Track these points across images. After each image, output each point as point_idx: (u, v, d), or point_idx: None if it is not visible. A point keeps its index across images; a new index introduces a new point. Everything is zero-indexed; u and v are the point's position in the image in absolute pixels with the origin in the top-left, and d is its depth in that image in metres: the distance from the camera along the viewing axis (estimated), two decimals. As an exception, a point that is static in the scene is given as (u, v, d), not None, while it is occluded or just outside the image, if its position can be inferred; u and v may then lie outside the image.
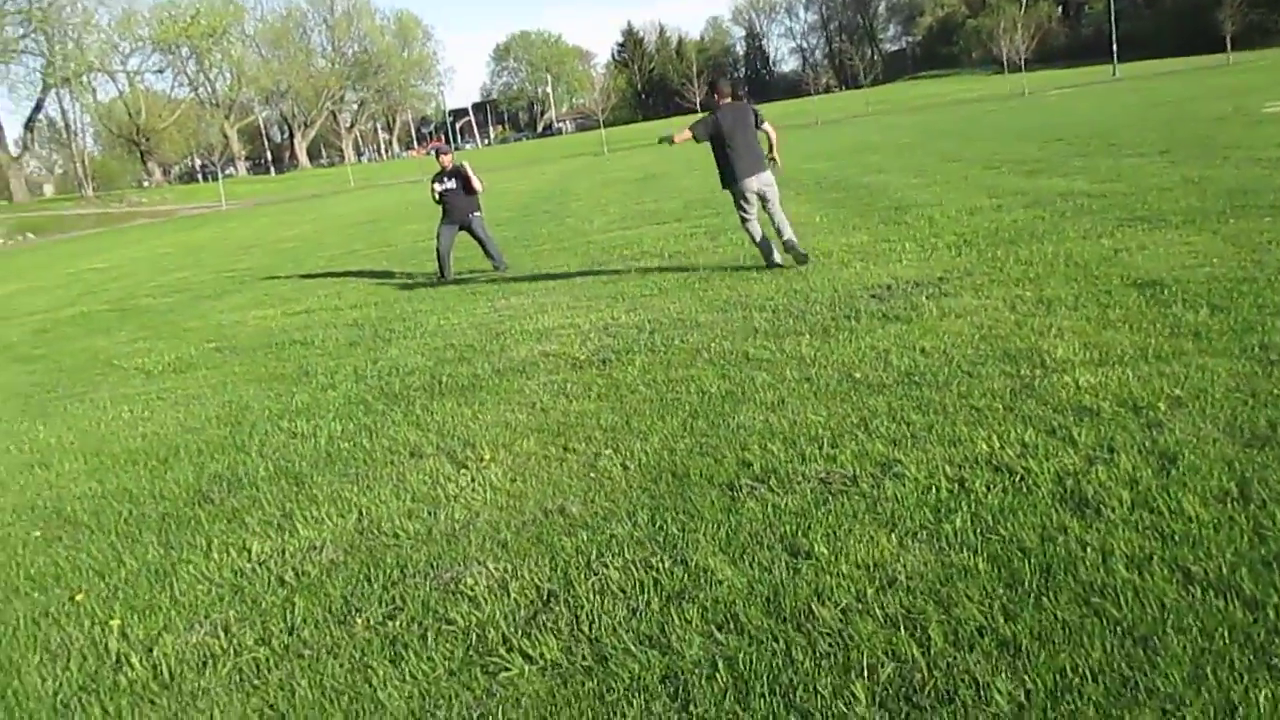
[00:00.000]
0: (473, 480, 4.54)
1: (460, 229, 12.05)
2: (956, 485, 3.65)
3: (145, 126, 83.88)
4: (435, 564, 3.71)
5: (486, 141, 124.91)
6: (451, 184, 12.04)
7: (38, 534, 4.89)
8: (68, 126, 78.27)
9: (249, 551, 4.17)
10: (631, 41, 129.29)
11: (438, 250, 12.04)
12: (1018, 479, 3.62)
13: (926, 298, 6.83)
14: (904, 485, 3.71)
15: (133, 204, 65.06)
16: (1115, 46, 75.97)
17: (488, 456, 4.83)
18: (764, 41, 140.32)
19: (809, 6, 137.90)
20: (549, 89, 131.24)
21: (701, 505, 3.81)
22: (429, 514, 4.23)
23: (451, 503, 4.31)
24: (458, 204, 12.02)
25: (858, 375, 5.22)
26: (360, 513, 4.40)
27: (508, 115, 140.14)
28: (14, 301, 18.04)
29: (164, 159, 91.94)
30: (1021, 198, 11.52)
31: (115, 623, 3.68)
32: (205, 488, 5.15)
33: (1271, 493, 3.23)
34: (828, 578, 3.11)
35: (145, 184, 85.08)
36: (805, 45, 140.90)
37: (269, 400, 6.84)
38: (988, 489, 3.58)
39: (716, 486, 3.99)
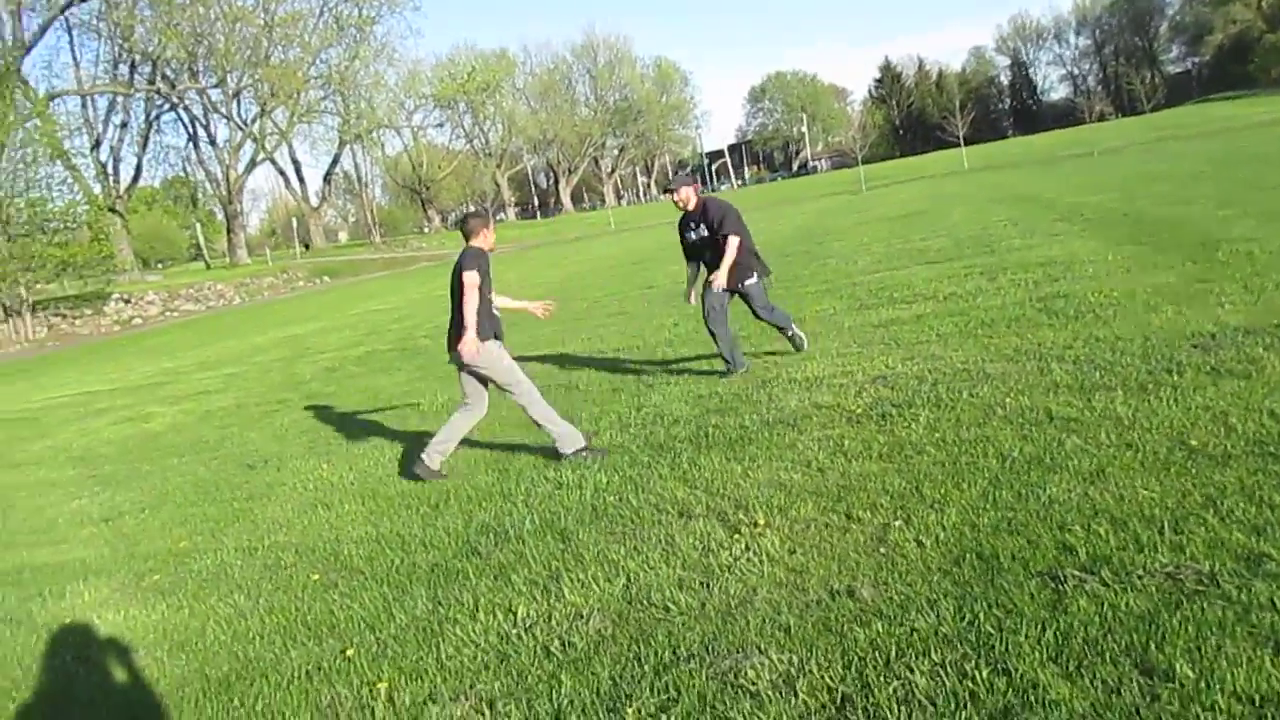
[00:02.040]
0: (747, 548, 4.18)
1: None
2: (1356, 593, 2.93)
3: (426, 177, 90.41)
4: (711, 647, 3.37)
5: (741, 182, 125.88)
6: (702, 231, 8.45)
7: (316, 578, 4.97)
8: (359, 178, 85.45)
9: (514, 614, 4.00)
10: (889, 76, 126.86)
11: (716, 333, 8.14)
12: None
13: (1264, 349, 5.87)
14: (1282, 589, 3.02)
15: (414, 249, 69.96)
16: None
17: (762, 521, 4.46)
18: (1030, 69, 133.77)
19: (1080, 30, 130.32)
20: (804, 128, 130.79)
21: (1018, 599, 3.26)
22: (702, 585, 3.91)
23: (725, 574, 3.97)
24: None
25: (1193, 442, 4.45)
26: (628, 578, 4.13)
27: (763, 155, 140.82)
28: (310, 340, 19.51)
29: (441, 206, 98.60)
30: (1364, 230, 9.99)
31: (383, 685, 3.58)
32: (473, 539, 5.08)
33: None
34: (1196, 708, 2.51)
35: (425, 230, 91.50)
36: (1077, 71, 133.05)
37: (533, 448, 6.79)
38: (1402, 601, 2.84)
39: (1034, 575, 3.42)
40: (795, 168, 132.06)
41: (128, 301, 42.94)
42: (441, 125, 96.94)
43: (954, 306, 9.47)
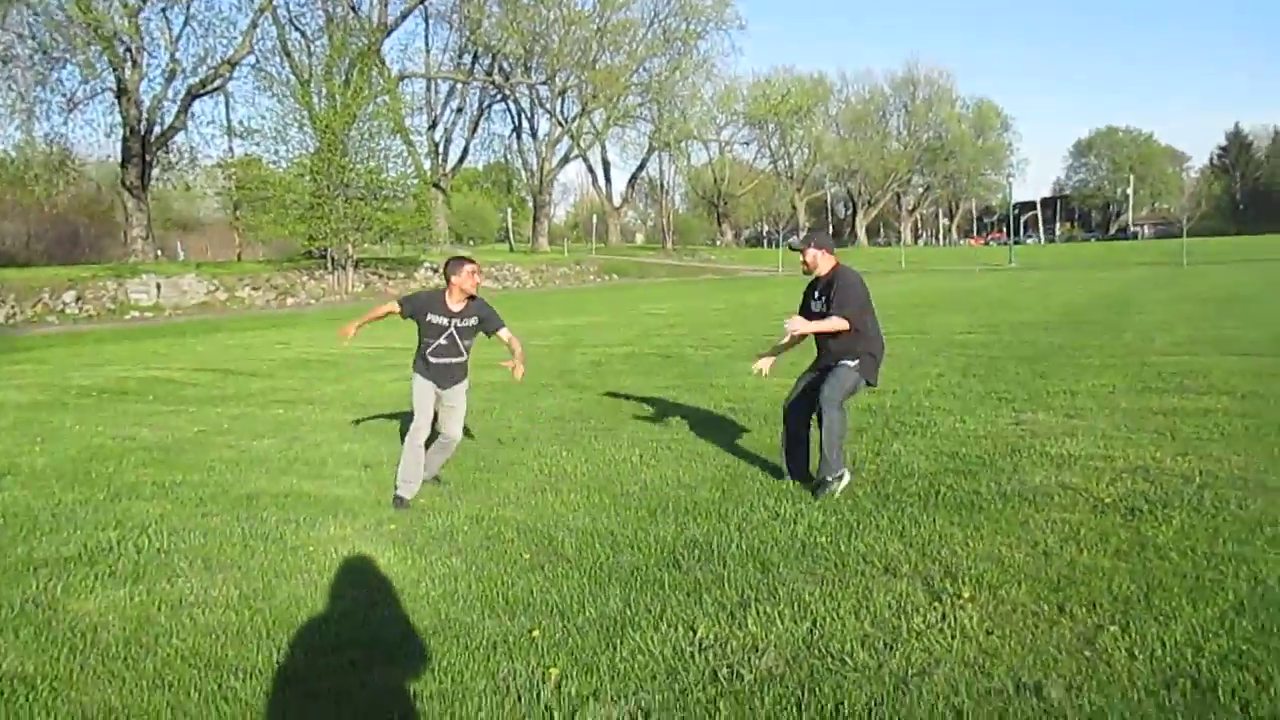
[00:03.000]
0: (943, 618, 4.01)
1: None
2: None
3: (725, 191, 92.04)
4: (874, 711, 3.26)
5: (1050, 238, 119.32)
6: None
7: (527, 556, 5.22)
8: (661, 185, 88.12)
9: (694, 632, 4.04)
10: (1236, 145, 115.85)
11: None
12: None
13: None
14: None
15: (704, 260, 71.43)
16: None
17: (967, 594, 4.25)
18: None
19: None
20: (1129, 189, 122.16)
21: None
22: (886, 646, 3.79)
23: (913, 639, 3.83)
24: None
25: None
26: (814, 622, 4.07)
27: (1078, 213, 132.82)
28: (584, 333, 20.39)
29: (736, 222, 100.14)
30: None
31: (554, 671, 3.72)
32: (679, 551, 5.16)
33: None
34: None
35: (717, 243, 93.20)
36: None
37: (760, 474, 6.79)
38: None
39: (1254, 718, 3.07)
40: (1112, 230, 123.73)
41: (435, 270, 46.61)
42: (749, 143, 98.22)
43: (1250, 406, 8.56)
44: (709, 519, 5.77)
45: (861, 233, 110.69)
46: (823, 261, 6.55)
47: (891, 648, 3.77)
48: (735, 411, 9.46)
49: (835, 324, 6.23)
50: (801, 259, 6.61)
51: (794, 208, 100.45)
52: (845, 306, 6.28)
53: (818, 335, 6.42)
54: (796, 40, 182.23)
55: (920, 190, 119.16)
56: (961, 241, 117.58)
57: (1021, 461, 6.78)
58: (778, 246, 76.23)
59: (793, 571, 4.73)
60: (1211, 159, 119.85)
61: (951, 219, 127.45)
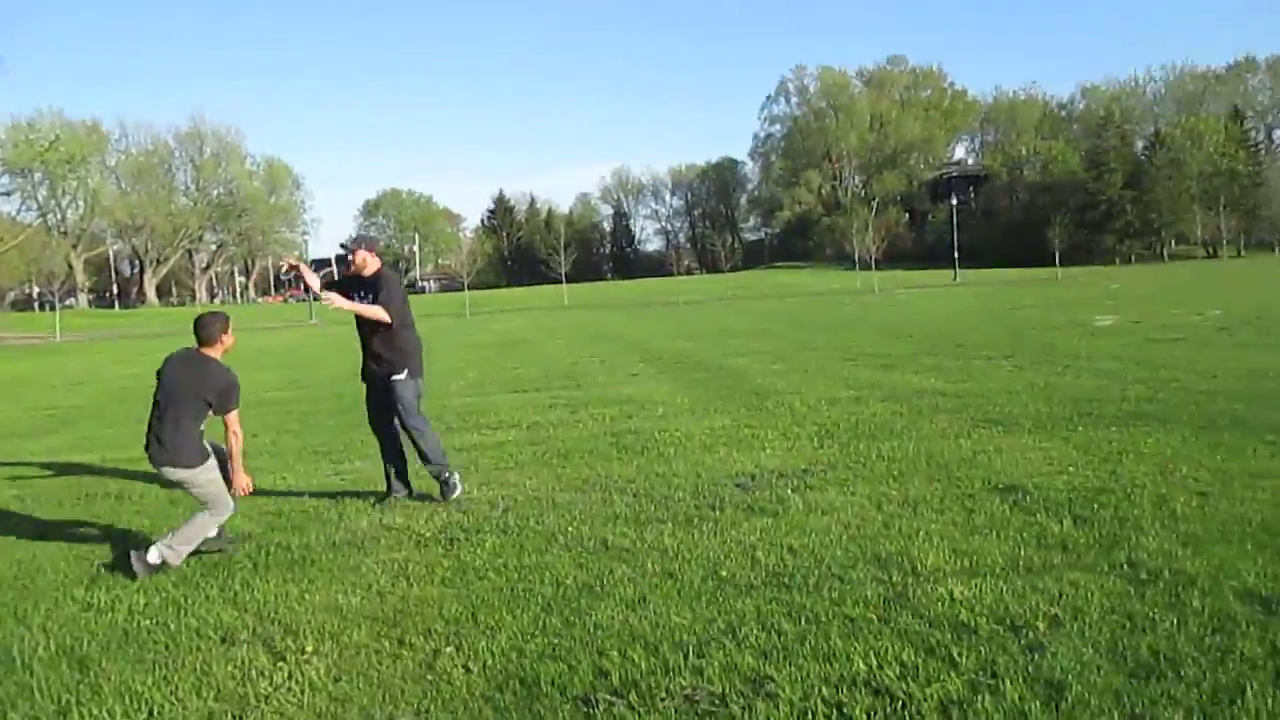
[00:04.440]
0: (289, 676, 3.96)
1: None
2: (834, 710, 3.33)
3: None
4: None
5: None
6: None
7: None
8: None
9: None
10: (502, 209, 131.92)
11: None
12: (899, 706, 3.32)
13: (792, 490, 6.65)
14: (777, 709, 3.36)
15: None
16: (956, 253, 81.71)
17: (310, 648, 4.26)
18: (630, 220, 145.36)
19: (675, 192, 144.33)
20: (415, 247, 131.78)
21: (552, 723, 3.36)
22: (234, 717, 3.63)
23: (261, 704, 3.72)
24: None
25: (724, 573, 4.90)
26: (151, 712, 3.75)
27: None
28: None
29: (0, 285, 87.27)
30: (879, 391, 11.73)
31: None
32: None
33: (1165, 735, 3.02)
34: (695, 824, 2.70)
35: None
36: (670, 227, 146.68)
37: (64, 562, 6.04)
38: (867, 715, 3.27)
39: (569, 700, 3.55)
40: (404, 285, 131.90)
41: None
42: (10, 194, 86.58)
43: (535, 435, 9.82)
44: (5, 625, 4.98)
45: (151, 292, 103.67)
46: (370, 262, 7.15)
47: (241, 717, 3.63)
48: (24, 499, 8.28)
49: (377, 311, 6.88)
50: (350, 259, 7.18)
51: (70, 266, 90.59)
52: (391, 302, 6.95)
53: (367, 347, 7.14)
54: (64, 82, 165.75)
55: (214, 247, 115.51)
56: (259, 299, 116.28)
57: (346, 510, 6.95)
58: (54, 309, 68.14)
59: (118, 663, 4.29)
60: (483, 220, 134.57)
61: (249, 276, 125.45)
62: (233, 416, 5.87)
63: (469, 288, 76.20)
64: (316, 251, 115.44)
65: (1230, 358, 13.46)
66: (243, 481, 5.97)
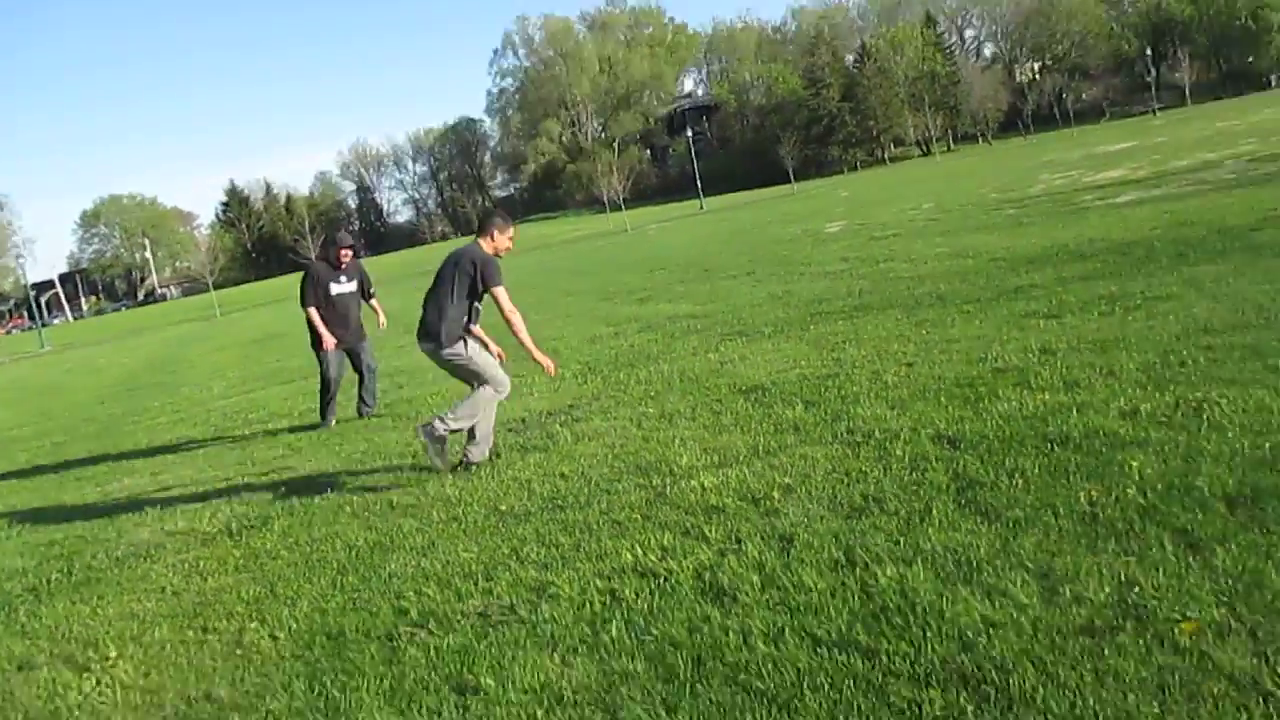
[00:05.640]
0: (99, 683, 4.08)
1: (346, 352, 9.46)
2: (608, 596, 3.82)
3: None
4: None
5: (79, 315, 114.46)
6: (351, 285, 9.50)
7: None
8: None
9: None
10: (236, 200, 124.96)
11: (325, 379, 9.35)
12: (662, 580, 3.86)
13: (560, 425, 7.14)
14: (560, 605, 3.82)
15: None
16: (699, 183, 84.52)
17: (114, 654, 4.36)
18: (376, 194, 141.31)
19: (418, 158, 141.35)
20: (148, 254, 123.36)
21: (361, 661, 3.69)
22: (44, 732, 3.75)
23: (75, 712, 3.85)
24: (357, 317, 9.55)
25: (503, 508, 5.32)
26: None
27: (102, 285, 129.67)
28: None
29: None
30: (636, 323, 12.40)
31: None
32: None
33: (872, 555, 3.69)
34: (498, 709, 3.12)
35: None
36: (418, 195, 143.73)
37: None
38: (636, 595, 3.78)
39: (375, 640, 3.88)
40: (142, 296, 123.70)
41: None
42: None
43: (308, 421, 9.86)
44: None
45: None
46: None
47: (54, 727, 3.75)
48: None
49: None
50: (341, 253, 9.37)
51: None
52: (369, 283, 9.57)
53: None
54: None
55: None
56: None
57: (125, 526, 6.86)
58: None
59: (-91, 711, 4.26)
60: (218, 215, 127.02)
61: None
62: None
63: (215, 287, 72.42)
64: (35, 274, 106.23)
65: (937, 244, 15.00)
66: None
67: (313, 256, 62.50)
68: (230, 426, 10.60)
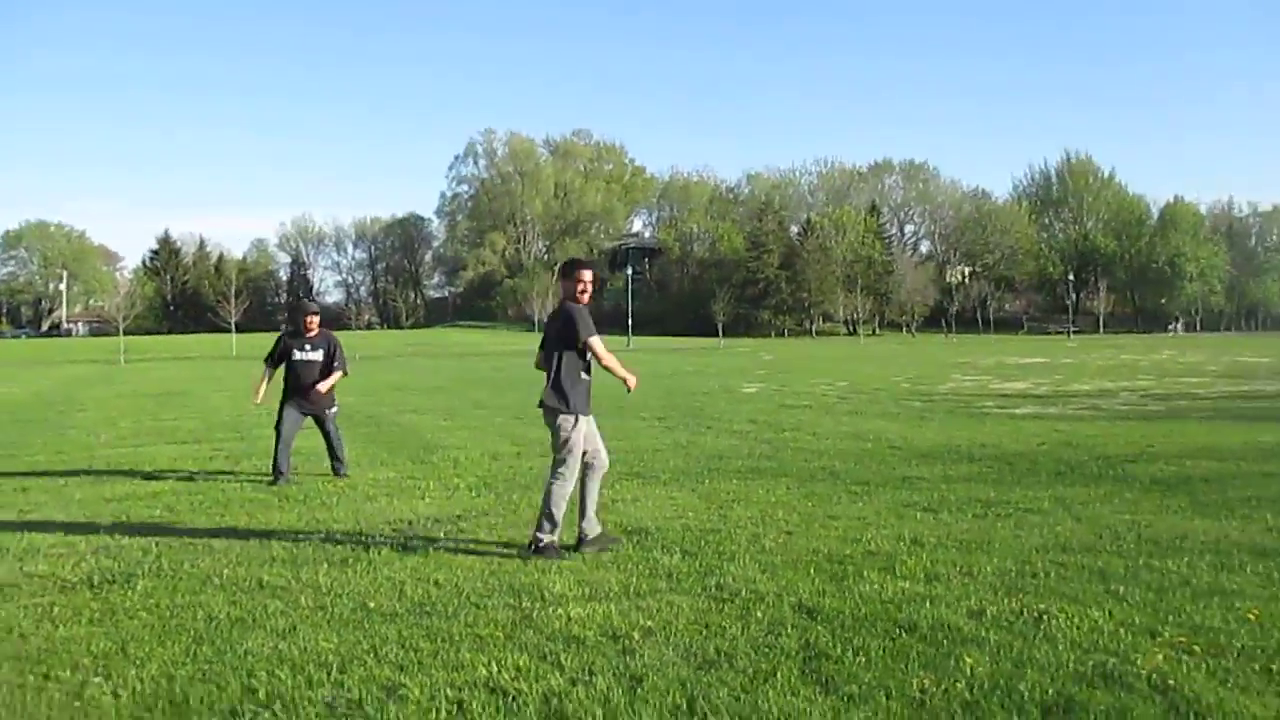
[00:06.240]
0: (-77, 718, 4.01)
1: (307, 416, 10.25)
2: (455, 706, 3.92)
3: None
4: None
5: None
6: (316, 354, 10.25)
7: None
8: None
9: None
10: (166, 250, 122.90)
11: (279, 434, 9.95)
12: (509, 699, 3.98)
13: (444, 534, 7.23)
14: (407, 707, 3.91)
15: None
16: (630, 320, 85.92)
17: (-55, 690, 4.29)
18: (309, 270, 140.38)
19: (358, 244, 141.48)
20: (62, 286, 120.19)
21: (198, 733, 3.71)
22: None
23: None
24: (314, 383, 10.17)
25: (372, 605, 5.38)
26: None
27: (7, 308, 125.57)
28: None
29: None
30: (540, 447, 12.53)
31: None
32: None
33: (712, 706, 3.87)
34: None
35: None
36: (351, 280, 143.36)
37: None
38: (482, 709, 3.89)
39: (218, 714, 3.91)
40: (46, 327, 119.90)
41: None
42: None
43: (196, 486, 9.75)
44: None
45: None
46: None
47: None
48: None
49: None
50: (307, 321, 10.31)
51: None
52: (339, 356, 10.42)
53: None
54: None
55: None
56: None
57: (-19, 560, 6.71)
58: None
59: None
60: (145, 261, 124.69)
61: None
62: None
63: (125, 333, 70.64)
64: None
65: (843, 423, 15.56)
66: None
67: (233, 323, 61.96)
68: (111, 478, 10.39)
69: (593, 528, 6.75)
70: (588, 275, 6.73)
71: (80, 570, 6.31)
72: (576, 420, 6.57)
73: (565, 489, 6.58)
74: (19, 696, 4.16)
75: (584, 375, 6.69)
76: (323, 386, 10.20)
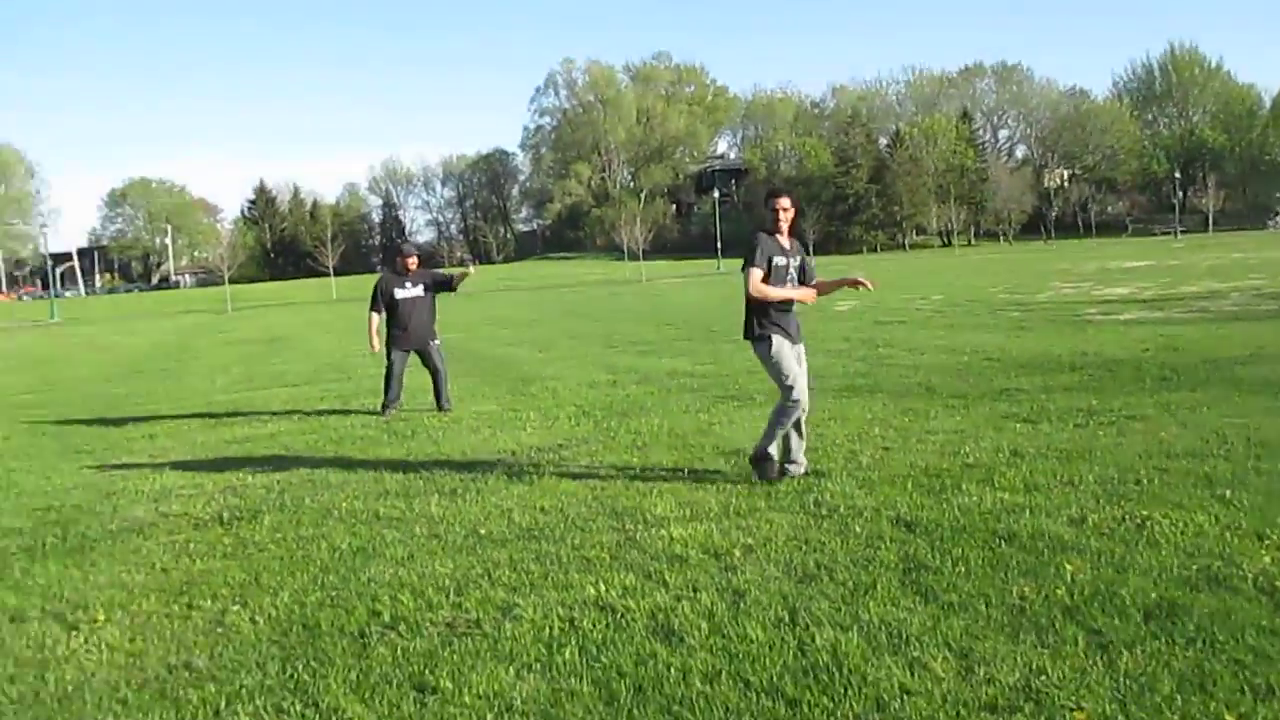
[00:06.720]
0: (86, 641, 4.38)
1: (409, 352, 10.63)
2: (567, 624, 4.13)
3: None
4: (47, 728, 3.57)
5: (92, 290, 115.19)
6: (417, 290, 10.69)
7: None
8: None
9: None
10: (263, 199, 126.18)
11: (387, 374, 10.55)
12: (618, 616, 4.16)
13: (547, 461, 7.46)
14: (521, 625, 4.13)
15: None
16: (719, 243, 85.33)
17: (102, 618, 4.66)
18: (400, 212, 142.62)
19: (446, 182, 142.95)
20: (168, 240, 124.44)
21: (333, 652, 3.99)
22: (36, 677, 4.04)
23: (62, 664, 4.14)
24: (422, 320, 10.58)
25: (483, 531, 5.63)
26: (-52, 682, 4.09)
27: (119, 264, 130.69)
28: None
29: None
30: (635, 374, 12.74)
31: None
32: None
33: (813, 618, 4.00)
34: (452, 708, 3.42)
35: None
36: (441, 219, 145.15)
37: None
38: (593, 625, 4.08)
39: (347, 635, 4.18)
40: (156, 280, 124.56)
41: None
42: None
43: (309, 425, 10.19)
44: None
45: None
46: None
47: (42, 676, 4.03)
48: None
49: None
50: (407, 261, 10.91)
51: None
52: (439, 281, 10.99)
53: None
54: None
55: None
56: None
57: (121, 502, 7.18)
58: None
59: (-96, 646, 4.55)
60: (243, 211, 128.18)
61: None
62: None
63: (230, 282, 73.01)
64: (56, 245, 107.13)
65: (938, 337, 15.37)
66: None
67: (330, 267, 63.16)
68: (230, 421, 10.92)
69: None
70: (784, 202, 6.49)
71: (210, 508, 6.72)
72: (769, 343, 6.36)
73: (789, 413, 6.34)
74: (168, 625, 4.51)
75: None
76: (460, 278, 11.02)
